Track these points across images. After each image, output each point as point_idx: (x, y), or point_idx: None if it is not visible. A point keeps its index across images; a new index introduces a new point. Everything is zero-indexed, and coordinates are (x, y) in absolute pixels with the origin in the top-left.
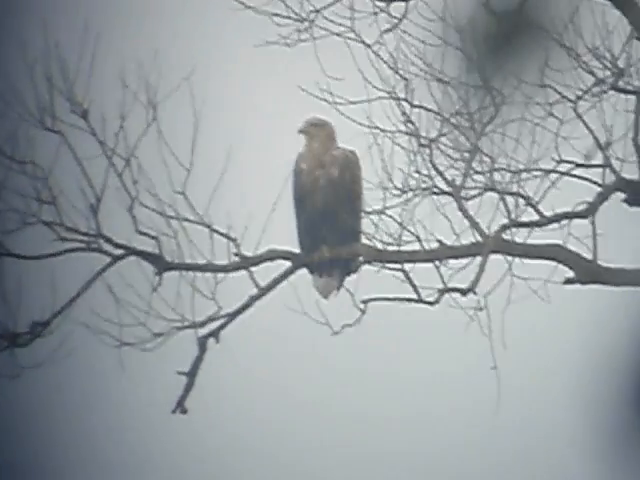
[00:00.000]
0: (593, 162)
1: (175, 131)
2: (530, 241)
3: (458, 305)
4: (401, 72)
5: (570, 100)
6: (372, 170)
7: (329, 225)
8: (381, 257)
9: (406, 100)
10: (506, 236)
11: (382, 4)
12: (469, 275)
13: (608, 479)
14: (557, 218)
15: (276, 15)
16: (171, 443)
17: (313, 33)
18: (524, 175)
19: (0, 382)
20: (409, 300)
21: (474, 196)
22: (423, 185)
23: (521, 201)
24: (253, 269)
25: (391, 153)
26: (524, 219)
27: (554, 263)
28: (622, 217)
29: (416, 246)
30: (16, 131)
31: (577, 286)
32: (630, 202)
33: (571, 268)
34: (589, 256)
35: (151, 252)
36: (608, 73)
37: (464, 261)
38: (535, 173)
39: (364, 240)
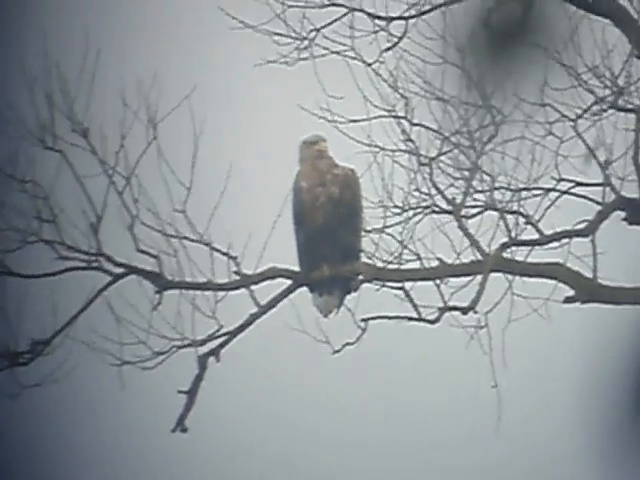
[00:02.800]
0: (593, 181)
1: (175, 150)
2: (530, 260)
3: (459, 324)
4: (401, 91)
5: (570, 119)
6: (372, 189)
7: (329, 243)
8: (381, 275)
9: (406, 118)
10: (506, 255)
11: (382, 23)
12: (469, 294)
13: None
14: (557, 237)
15: (276, 34)
16: (171, 462)
17: (313, 52)
18: (524, 194)
19: (0, 401)
20: (409, 319)
21: (474, 215)
22: (423, 203)
23: (521, 220)
24: (253, 287)
25: (391, 172)
26: (524, 237)
27: (554, 282)
28: (622, 236)
29: (416, 264)
30: (16, 150)
31: (577, 305)
32: (630, 221)
33: (571, 287)
34: (589, 275)
35: (151, 271)
36: (608, 92)
37: (464, 279)
38: (535, 192)
39: (364, 258)
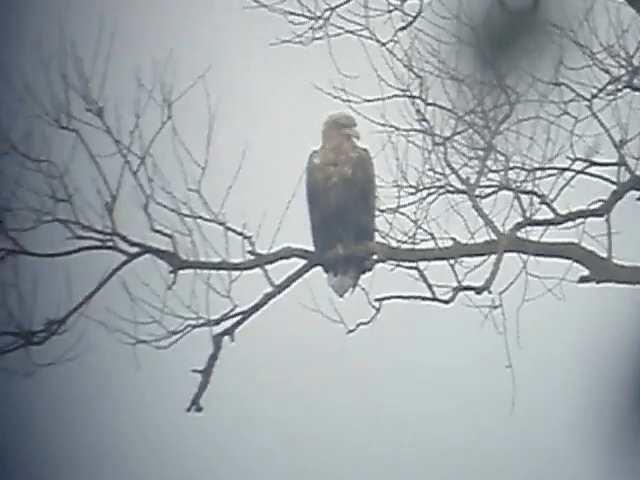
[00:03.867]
0: (608, 160)
1: (190, 129)
2: (545, 239)
3: (473, 303)
4: (415, 70)
5: (585, 98)
6: (386, 168)
7: (343, 223)
8: (395, 255)
9: (420, 98)
10: (521, 234)
11: (396, 2)
12: (484, 273)
13: (618, 476)
14: (572, 216)
15: (291, 13)
16: (186, 441)
17: (327, 31)
18: (539, 173)
19: (15, 380)
20: (424, 298)
21: (489, 194)
22: (437, 183)
23: (536, 199)
24: (268, 267)
25: (405, 151)
26: (539, 217)
27: (569, 261)
28: (637, 215)
29: (430, 244)
30: (32, 129)
31: (592, 284)
32: None
33: (586, 266)
34: (604, 254)
35: (166, 250)
36: (623, 71)
37: (479, 259)
38: (550, 171)
39: (378, 238)
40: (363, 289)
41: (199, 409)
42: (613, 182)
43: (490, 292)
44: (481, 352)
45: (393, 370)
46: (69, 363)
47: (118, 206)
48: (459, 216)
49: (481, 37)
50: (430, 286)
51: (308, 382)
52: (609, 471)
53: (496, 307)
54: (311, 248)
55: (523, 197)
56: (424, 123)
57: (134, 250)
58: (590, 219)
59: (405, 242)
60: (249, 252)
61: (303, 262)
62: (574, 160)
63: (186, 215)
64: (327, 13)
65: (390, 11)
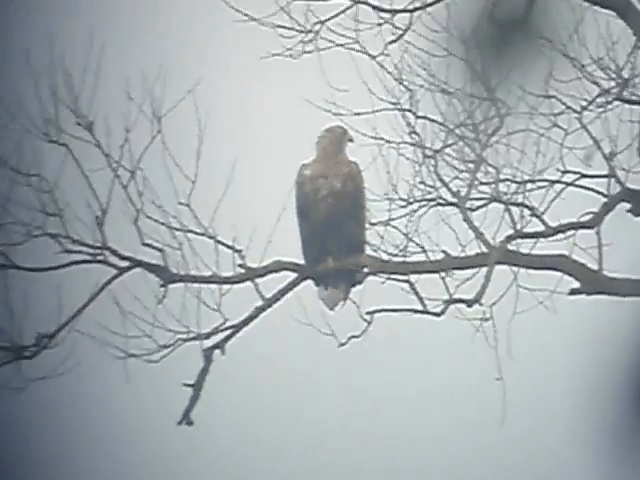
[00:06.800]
0: (598, 172)
1: (180, 143)
2: (535, 252)
3: (464, 316)
4: (406, 83)
5: (575, 111)
6: (377, 181)
7: (334, 236)
8: (386, 268)
9: (411, 111)
10: (511, 247)
11: (386, 15)
12: (475, 286)
13: None
14: (562, 228)
15: (280, 27)
16: (177, 455)
17: (318, 45)
18: (529, 186)
19: (6, 394)
20: (415, 311)
21: (479, 207)
22: (428, 196)
23: (526, 212)
24: (258, 280)
25: (396, 164)
26: (529, 230)
27: (559, 274)
28: (627, 227)
29: (421, 257)
30: (21, 143)
31: (583, 296)
32: (635, 212)
33: (577, 278)
34: (594, 266)
35: (156, 264)
36: (613, 83)
37: (470, 272)
38: (540, 184)
39: (369, 251)
40: (354, 302)
41: (190, 423)
42: (603, 194)
43: (481, 305)
44: (472, 365)
45: (384, 383)
46: (60, 377)
47: (108, 220)
48: (450, 229)
49: (471, 50)
50: (421, 299)
51: (299, 395)
52: None
53: (487, 320)
54: (302, 261)
55: (514, 209)
56: (414, 136)
57: (124, 264)
58: (580, 231)
59: (396, 255)
60: (239, 266)
61: (294, 275)
62: (564, 172)
63: (176, 229)
64: (317, 26)
65: (380, 24)
